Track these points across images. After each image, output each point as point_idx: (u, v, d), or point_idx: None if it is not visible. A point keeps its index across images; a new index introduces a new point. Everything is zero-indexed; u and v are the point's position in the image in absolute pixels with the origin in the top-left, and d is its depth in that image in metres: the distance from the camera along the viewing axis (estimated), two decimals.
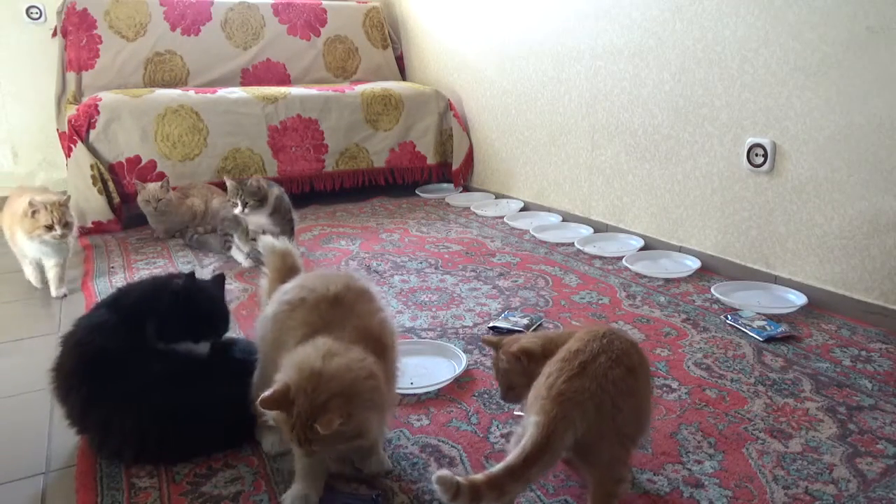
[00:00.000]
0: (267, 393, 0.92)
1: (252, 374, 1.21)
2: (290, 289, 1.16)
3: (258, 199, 2.28)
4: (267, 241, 1.39)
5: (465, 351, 1.62)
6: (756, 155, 2.06)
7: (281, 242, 1.38)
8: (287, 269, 1.34)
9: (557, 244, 2.60)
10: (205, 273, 2.28)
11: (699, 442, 1.24)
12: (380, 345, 1.07)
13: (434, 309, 1.94)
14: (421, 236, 2.75)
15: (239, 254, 2.43)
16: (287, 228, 2.38)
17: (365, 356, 1.00)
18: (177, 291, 1.29)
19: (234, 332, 1.62)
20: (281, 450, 1.20)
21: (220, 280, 1.40)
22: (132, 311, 1.28)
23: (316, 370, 0.94)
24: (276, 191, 2.38)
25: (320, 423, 0.89)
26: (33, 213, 1.97)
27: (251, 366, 1.27)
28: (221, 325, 1.35)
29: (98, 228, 2.87)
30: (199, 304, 1.31)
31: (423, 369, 1.54)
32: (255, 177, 2.37)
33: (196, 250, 2.61)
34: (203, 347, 1.30)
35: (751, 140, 2.08)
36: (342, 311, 1.09)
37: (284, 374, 0.95)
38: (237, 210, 2.27)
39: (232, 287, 2.15)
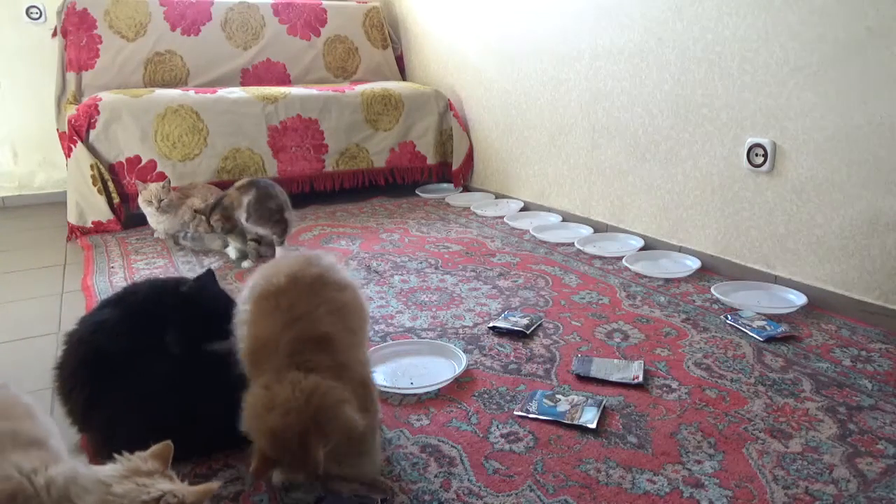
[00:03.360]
0: (253, 467, 0.93)
1: None
2: (251, 280, 1.15)
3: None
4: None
5: (465, 351, 1.62)
6: (756, 155, 2.06)
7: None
8: None
9: (557, 244, 2.60)
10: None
11: (699, 442, 1.24)
12: (323, 346, 1.03)
13: (434, 309, 1.94)
14: (421, 236, 2.75)
15: (232, 251, 2.46)
16: (278, 230, 2.40)
17: (308, 384, 0.97)
18: (191, 295, 1.28)
19: None
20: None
21: (210, 276, 1.39)
22: (136, 310, 1.28)
23: (276, 427, 0.94)
24: (249, 197, 2.36)
25: (312, 462, 0.91)
26: None
27: None
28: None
29: (98, 228, 2.87)
30: (212, 303, 1.31)
31: (423, 369, 1.54)
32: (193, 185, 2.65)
33: (192, 249, 2.60)
34: (228, 345, 1.30)
35: (751, 140, 2.08)
36: (281, 313, 1.04)
37: (256, 443, 0.96)
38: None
39: (232, 287, 2.15)
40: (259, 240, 2.53)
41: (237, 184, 2.48)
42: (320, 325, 1.04)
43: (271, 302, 1.06)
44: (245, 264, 2.40)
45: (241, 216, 2.37)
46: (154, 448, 0.86)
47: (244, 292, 1.14)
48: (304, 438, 0.92)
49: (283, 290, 1.06)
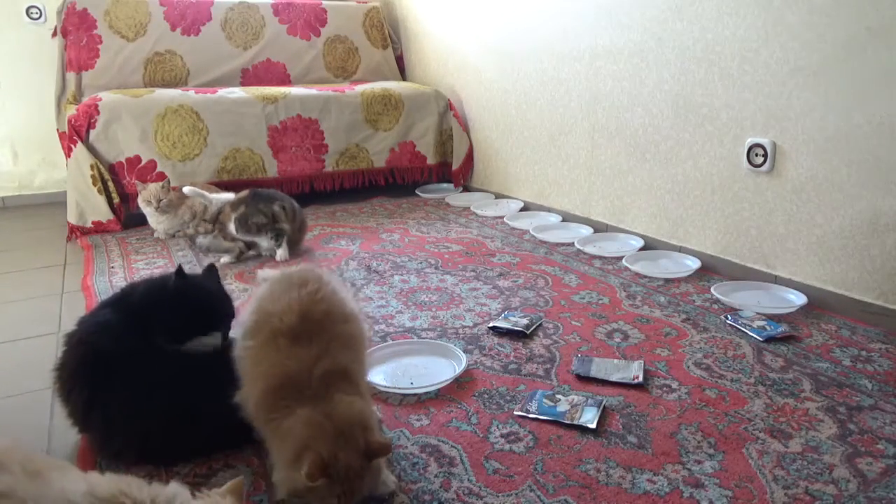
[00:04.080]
0: (305, 469, 0.91)
1: None
2: (250, 306, 1.14)
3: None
4: (266, 274, 1.39)
5: (465, 351, 1.62)
6: (756, 155, 2.06)
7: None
8: None
9: (557, 244, 2.60)
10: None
11: (699, 442, 1.24)
12: (347, 378, 1.07)
13: (434, 309, 1.94)
14: (421, 236, 2.75)
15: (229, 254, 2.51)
16: (273, 237, 2.46)
17: (346, 403, 1.02)
18: (171, 290, 1.28)
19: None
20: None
21: (211, 270, 1.40)
22: (135, 310, 1.28)
23: (334, 428, 0.97)
24: (237, 213, 2.46)
25: (376, 455, 0.97)
26: None
27: None
28: (225, 313, 1.35)
29: (98, 228, 2.87)
30: (196, 297, 1.31)
31: (423, 369, 1.54)
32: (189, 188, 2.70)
33: (208, 248, 2.60)
34: (215, 339, 1.30)
35: (751, 140, 2.08)
36: (301, 350, 1.05)
37: (307, 452, 0.95)
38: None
39: (232, 287, 2.15)
40: (251, 244, 2.55)
41: (237, 196, 2.56)
42: (339, 360, 1.07)
43: (287, 339, 1.06)
44: (224, 260, 2.46)
45: (232, 229, 2.48)
46: (229, 484, 0.87)
47: (244, 328, 1.13)
48: (364, 457, 0.97)
49: (296, 328, 1.07)
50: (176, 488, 0.83)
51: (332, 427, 0.96)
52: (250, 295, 1.28)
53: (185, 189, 2.71)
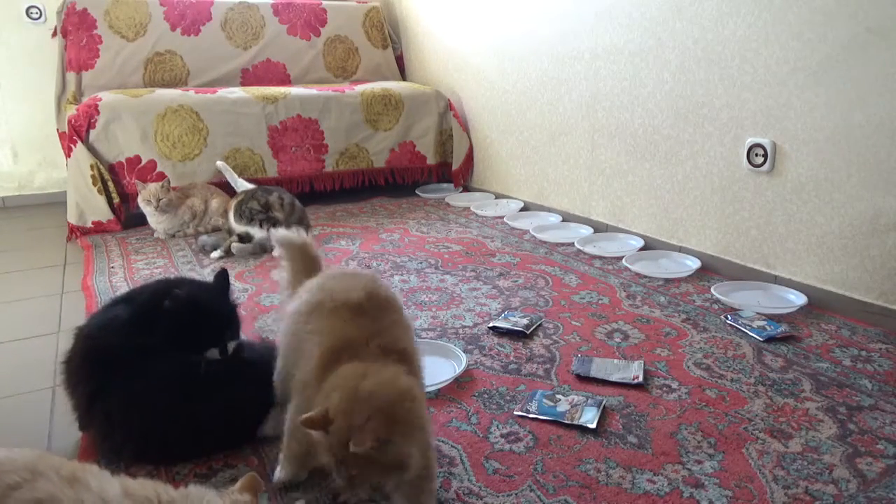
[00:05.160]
0: (308, 415, 0.91)
1: (257, 377, 1.21)
2: (309, 289, 1.15)
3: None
4: (282, 234, 1.34)
5: (465, 351, 1.62)
6: (756, 155, 2.06)
7: (297, 235, 1.34)
8: (307, 262, 1.31)
9: (557, 244, 2.60)
10: (204, 273, 2.29)
11: (699, 442, 1.24)
12: (405, 360, 1.04)
13: (434, 309, 1.94)
14: (421, 236, 2.75)
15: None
16: (268, 226, 2.49)
17: (399, 374, 0.97)
18: (173, 306, 1.25)
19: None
20: (291, 478, 1.13)
21: (222, 277, 1.36)
22: (143, 309, 1.28)
23: (355, 391, 0.92)
24: (235, 201, 2.56)
25: (354, 442, 0.85)
26: None
27: (257, 368, 1.27)
28: (227, 330, 1.31)
29: (98, 228, 2.87)
30: (197, 316, 1.27)
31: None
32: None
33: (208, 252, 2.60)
34: (212, 356, 1.28)
35: (751, 140, 2.08)
36: (364, 322, 1.06)
37: (325, 398, 0.93)
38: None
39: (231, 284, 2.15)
40: (244, 237, 2.56)
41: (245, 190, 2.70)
42: (399, 341, 1.07)
43: (351, 313, 1.07)
44: (214, 254, 2.50)
45: (232, 219, 2.57)
46: (243, 480, 0.87)
47: (301, 306, 1.12)
48: (371, 419, 0.88)
49: (363, 305, 1.09)
50: (201, 490, 0.83)
51: (362, 387, 0.91)
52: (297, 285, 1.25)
53: (218, 163, 2.90)
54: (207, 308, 1.30)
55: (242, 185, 2.84)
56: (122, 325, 1.25)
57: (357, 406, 0.90)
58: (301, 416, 0.91)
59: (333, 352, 1.02)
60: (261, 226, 2.50)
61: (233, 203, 2.57)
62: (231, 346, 1.30)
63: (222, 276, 1.37)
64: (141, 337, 1.23)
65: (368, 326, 1.06)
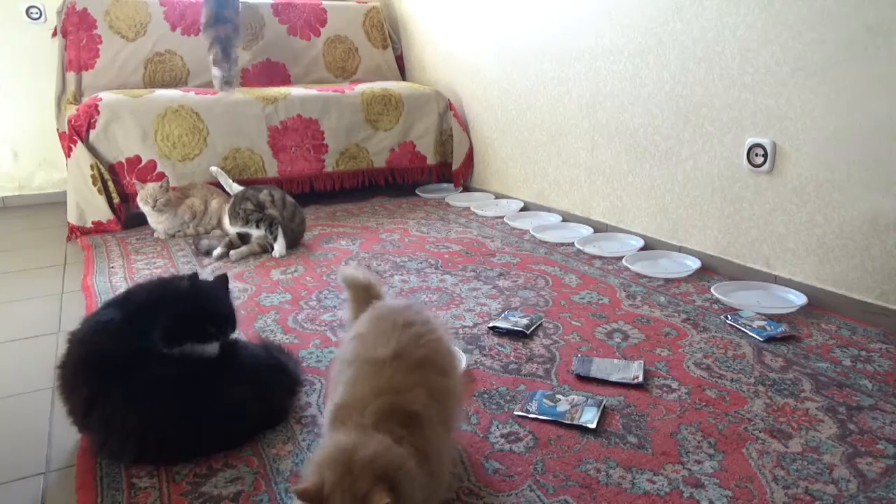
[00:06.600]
0: (301, 486, 0.87)
1: (256, 377, 1.21)
2: (350, 337, 1.12)
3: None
4: (347, 273, 1.30)
5: (465, 351, 1.62)
6: (756, 155, 2.06)
7: (361, 273, 1.29)
8: (367, 299, 1.26)
9: (557, 244, 2.60)
10: (205, 273, 2.29)
11: (699, 442, 1.24)
12: (410, 424, 0.98)
13: (434, 309, 1.94)
14: (421, 236, 2.75)
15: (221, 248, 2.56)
16: (264, 226, 2.51)
17: (389, 444, 0.92)
18: (182, 293, 1.28)
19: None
20: None
21: (223, 280, 1.40)
22: (139, 311, 1.28)
23: (349, 462, 0.88)
24: (229, 203, 2.59)
25: None
26: None
27: (255, 370, 1.27)
28: (227, 325, 1.35)
29: (98, 228, 2.87)
30: (203, 305, 1.30)
31: None
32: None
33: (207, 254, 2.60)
34: (212, 349, 1.29)
35: (751, 140, 2.08)
36: (378, 382, 1.02)
37: (316, 472, 0.89)
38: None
39: (231, 287, 2.15)
40: (243, 238, 2.56)
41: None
42: (411, 403, 1.01)
43: (373, 368, 1.04)
44: (216, 253, 2.49)
45: (227, 222, 2.59)
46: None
47: (344, 351, 1.10)
48: (376, 486, 0.86)
49: (385, 361, 1.04)
50: None
51: (345, 460, 0.88)
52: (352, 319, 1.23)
53: (212, 169, 2.90)
54: (214, 297, 1.34)
55: (237, 189, 2.81)
56: (117, 328, 1.25)
57: (356, 477, 0.86)
58: (296, 486, 0.89)
59: (337, 408, 1.00)
60: (258, 225, 2.50)
61: (226, 207, 2.59)
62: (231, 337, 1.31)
63: (223, 277, 1.40)
64: (136, 340, 1.23)
65: (377, 385, 1.01)
